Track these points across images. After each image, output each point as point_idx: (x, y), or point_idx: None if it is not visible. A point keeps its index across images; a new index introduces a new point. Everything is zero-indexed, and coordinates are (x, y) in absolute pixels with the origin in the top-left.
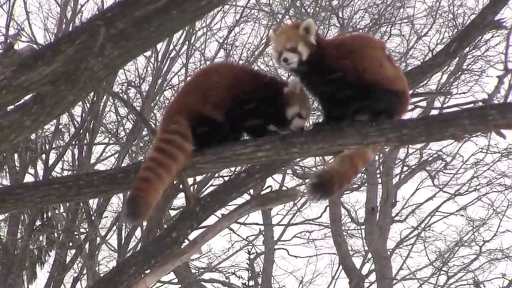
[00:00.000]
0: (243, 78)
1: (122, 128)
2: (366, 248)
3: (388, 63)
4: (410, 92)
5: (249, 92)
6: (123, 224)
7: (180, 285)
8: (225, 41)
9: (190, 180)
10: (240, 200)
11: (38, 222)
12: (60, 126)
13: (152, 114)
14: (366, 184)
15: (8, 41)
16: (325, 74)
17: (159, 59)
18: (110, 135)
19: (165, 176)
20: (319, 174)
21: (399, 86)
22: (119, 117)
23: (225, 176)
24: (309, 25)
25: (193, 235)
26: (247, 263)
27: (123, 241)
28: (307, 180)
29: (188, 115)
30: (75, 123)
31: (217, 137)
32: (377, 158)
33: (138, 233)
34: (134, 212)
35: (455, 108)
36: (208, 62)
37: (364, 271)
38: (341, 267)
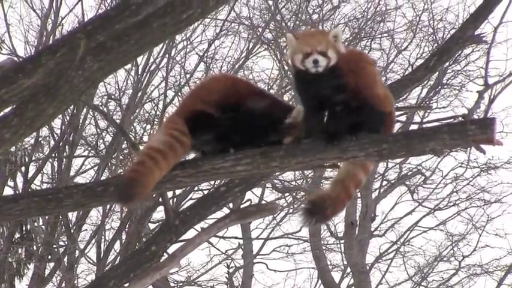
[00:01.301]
0: (250, 89)
1: (101, 141)
2: (345, 262)
3: (380, 81)
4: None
5: (250, 103)
6: (102, 237)
7: None
8: (205, 54)
9: (169, 194)
10: (219, 214)
11: (17, 235)
12: (40, 139)
13: (132, 127)
14: None
15: None
16: (334, 86)
17: (139, 72)
18: (89, 148)
19: (162, 162)
20: (311, 200)
21: (388, 106)
22: (98, 130)
23: (205, 190)
24: (338, 33)
25: (172, 249)
26: (226, 277)
27: (102, 254)
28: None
29: (185, 114)
30: (55, 135)
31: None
32: None
33: (117, 246)
34: (127, 194)
35: (435, 123)
36: (188, 75)
37: (343, 285)
38: (320, 281)
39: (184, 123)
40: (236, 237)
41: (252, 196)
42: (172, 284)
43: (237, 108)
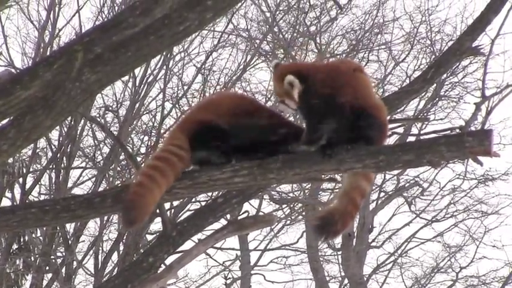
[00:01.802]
0: (256, 106)
1: (99, 152)
2: (343, 274)
3: (374, 91)
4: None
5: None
6: (100, 248)
7: None
8: (203, 66)
9: (167, 205)
10: (216, 225)
11: (15, 246)
12: (38, 150)
13: (129, 138)
14: None
15: None
16: (319, 100)
17: (137, 84)
18: (87, 160)
19: (162, 182)
20: (320, 216)
21: (383, 116)
22: (96, 141)
23: (202, 201)
24: (290, 81)
25: (169, 260)
26: None
27: (99, 265)
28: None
29: (189, 128)
30: (53, 147)
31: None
32: None
33: (114, 257)
34: (130, 218)
35: (433, 135)
36: (185, 87)
37: None
38: None
39: (186, 138)
40: (234, 249)
41: (249, 207)
42: None
43: (244, 123)
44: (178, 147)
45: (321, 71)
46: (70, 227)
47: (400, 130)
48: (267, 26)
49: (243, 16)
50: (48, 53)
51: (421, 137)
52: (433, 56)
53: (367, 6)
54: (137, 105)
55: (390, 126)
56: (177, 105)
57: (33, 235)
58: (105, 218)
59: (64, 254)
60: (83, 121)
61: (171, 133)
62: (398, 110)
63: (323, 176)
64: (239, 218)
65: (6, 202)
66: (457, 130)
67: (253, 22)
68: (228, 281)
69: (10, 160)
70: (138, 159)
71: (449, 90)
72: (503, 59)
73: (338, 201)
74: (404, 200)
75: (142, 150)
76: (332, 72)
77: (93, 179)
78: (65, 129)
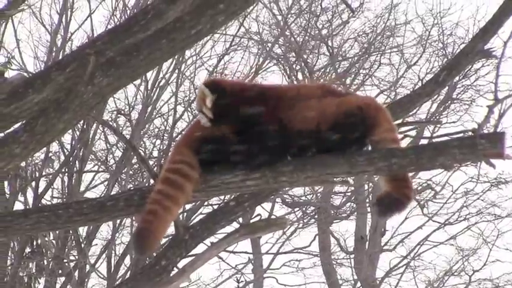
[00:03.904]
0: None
1: (111, 156)
2: (355, 277)
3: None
4: (400, 121)
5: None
6: (113, 252)
7: None
8: (215, 70)
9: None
10: (229, 229)
11: (28, 250)
12: (50, 154)
13: (142, 142)
14: (355, 213)
15: None
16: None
17: (149, 87)
18: (99, 163)
19: (173, 207)
20: (378, 198)
21: (359, 101)
22: (108, 145)
23: (214, 205)
24: (201, 90)
25: (182, 263)
26: None
27: (112, 269)
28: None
29: (195, 143)
30: (65, 151)
31: (225, 154)
32: (366, 187)
33: (127, 260)
34: (142, 246)
35: (445, 138)
36: (197, 91)
37: None
38: None
39: (193, 154)
40: (246, 252)
41: (261, 211)
42: None
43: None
44: (188, 166)
45: (242, 86)
46: (83, 230)
47: (413, 133)
48: (279, 29)
49: (255, 19)
50: (60, 57)
51: (434, 140)
52: (445, 59)
53: (379, 9)
54: (149, 108)
55: (403, 129)
56: (189, 109)
57: (46, 238)
58: (118, 221)
59: (77, 257)
60: (95, 125)
61: (176, 149)
62: (411, 113)
63: (335, 179)
64: (251, 221)
65: (19, 206)
66: (470, 133)
67: (265, 25)
68: (241, 285)
69: (23, 164)
70: (151, 162)
71: (462, 93)
72: None
73: (387, 186)
74: (417, 203)
75: (155, 153)
76: (258, 90)
77: (106, 183)
78: (78, 133)
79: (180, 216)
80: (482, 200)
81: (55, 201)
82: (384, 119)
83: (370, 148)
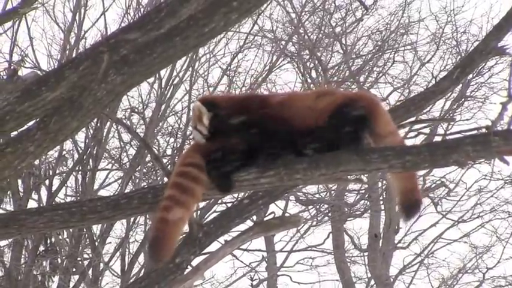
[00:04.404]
0: None
1: (125, 154)
2: (369, 275)
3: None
4: (413, 118)
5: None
6: (127, 250)
7: None
8: (228, 68)
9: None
10: (243, 227)
11: (42, 248)
12: (64, 152)
13: (155, 140)
14: (369, 211)
15: (12, 67)
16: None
17: (163, 85)
18: (113, 161)
19: (183, 213)
20: (401, 203)
21: (354, 97)
22: (122, 143)
23: (228, 203)
24: (197, 107)
25: (196, 261)
26: None
27: (126, 267)
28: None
29: (203, 148)
30: (79, 149)
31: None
32: (380, 184)
33: (141, 258)
34: (157, 255)
35: (459, 135)
36: (211, 89)
37: None
38: None
39: (200, 156)
40: (260, 250)
41: (275, 209)
42: None
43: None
44: (197, 168)
45: (235, 99)
46: (97, 228)
47: (426, 130)
48: (293, 27)
49: (269, 17)
50: (74, 55)
51: (447, 137)
52: (459, 57)
53: (392, 7)
54: (163, 106)
55: (416, 126)
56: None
57: (60, 237)
58: (132, 219)
59: (91, 255)
60: (109, 123)
61: (186, 153)
62: (424, 111)
63: (349, 176)
64: (265, 219)
65: (32, 204)
66: (483, 130)
67: (278, 23)
68: (254, 282)
69: (36, 162)
70: (164, 160)
71: (475, 90)
72: None
73: (396, 183)
74: (430, 201)
75: (168, 151)
76: (252, 100)
77: (119, 181)
78: (91, 131)
79: (194, 214)
80: (496, 198)
81: (69, 199)
82: (380, 110)
83: (371, 143)
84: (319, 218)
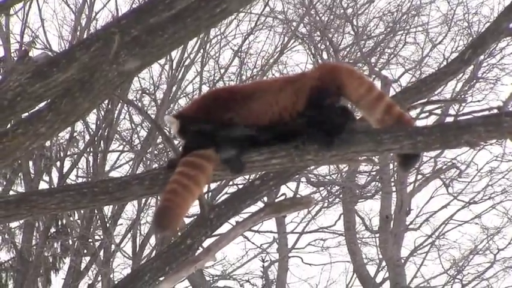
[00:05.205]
0: None
1: (136, 136)
2: (380, 256)
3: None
4: (425, 100)
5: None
6: (138, 231)
7: None
8: (240, 49)
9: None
10: (254, 208)
11: (53, 229)
12: (75, 134)
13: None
14: (380, 192)
15: (23, 48)
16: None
17: (174, 67)
18: (124, 143)
19: (193, 186)
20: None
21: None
22: (133, 124)
23: (239, 184)
24: (167, 120)
25: (207, 242)
26: (261, 271)
27: (137, 248)
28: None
29: None
30: (90, 130)
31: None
32: (391, 166)
33: (152, 240)
34: (161, 223)
35: (470, 116)
36: (222, 70)
37: (378, 279)
38: (355, 275)
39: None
40: (271, 231)
41: (286, 190)
42: (207, 278)
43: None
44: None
45: (199, 103)
46: (108, 210)
47: (438, 111)
48: (304, 9)
49: None
50: (85, 36)
51: (459, 118)
52: (471, 38)
53: None
54: (174, 88)
55: (428, 107)
56: (213, 88)
57: (71, 218)
58: (143, 201)
59: (102, 237)
60: (120, 104)
61: None
62: (436, 92)
63: (360, 157)
64: (276, 200)
65: (43, 186)
66: (495, 110)
67: (289, 4)
68: (266, 264)
69: (48, 143)
70: (175, 142)
71: (487, 71)
72: None
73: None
74: (441, 182)
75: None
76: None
77: (131, 163)
78: (102, 112)
79: (205, 195)
80: (507, 179)
81: (80, 181)
82: (348, 75)
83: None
84: (330, 200)
